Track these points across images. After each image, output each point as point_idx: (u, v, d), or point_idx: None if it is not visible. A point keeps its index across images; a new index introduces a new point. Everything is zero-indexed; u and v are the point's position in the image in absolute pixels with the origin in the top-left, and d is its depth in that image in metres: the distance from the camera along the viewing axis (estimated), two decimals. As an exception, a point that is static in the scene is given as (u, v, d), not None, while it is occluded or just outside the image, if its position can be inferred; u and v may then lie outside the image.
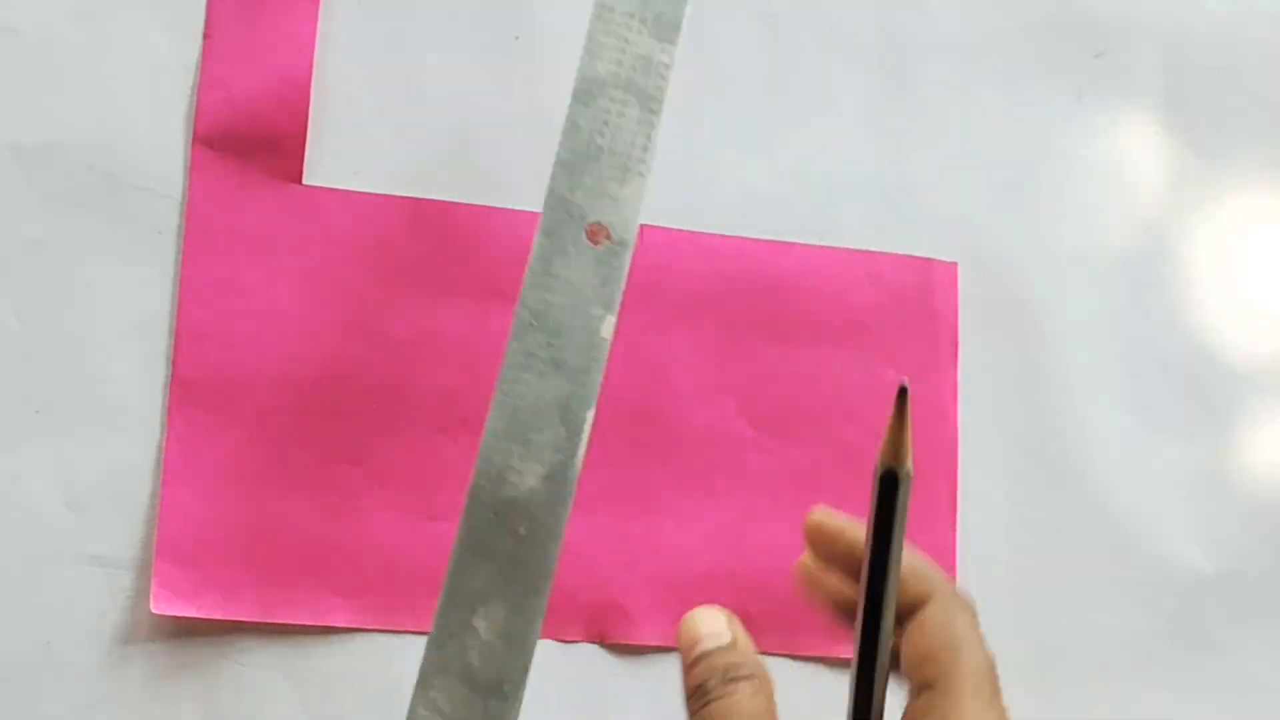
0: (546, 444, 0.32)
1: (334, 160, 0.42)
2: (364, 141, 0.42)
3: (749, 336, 0.44)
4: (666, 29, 0.35)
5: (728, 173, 0.45)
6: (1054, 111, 0.47)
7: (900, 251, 0.45)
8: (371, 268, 0.40)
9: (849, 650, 0.43)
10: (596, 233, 0.34)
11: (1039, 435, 0.45)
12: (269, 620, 0.40)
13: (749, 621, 0.42)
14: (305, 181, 0.42)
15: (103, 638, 0.39)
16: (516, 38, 0.44)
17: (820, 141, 0.46)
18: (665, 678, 0.42)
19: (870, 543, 0.31)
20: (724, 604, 0.42)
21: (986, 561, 0.44)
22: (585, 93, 0.34)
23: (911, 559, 0.32)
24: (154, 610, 0.39)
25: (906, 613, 0.32)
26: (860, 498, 0.43)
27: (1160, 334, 0.47)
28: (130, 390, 0.40)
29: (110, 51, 0.41)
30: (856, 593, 0.31)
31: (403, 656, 0.40)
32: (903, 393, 0.30)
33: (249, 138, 0.41)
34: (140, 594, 0.39)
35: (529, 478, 0.32)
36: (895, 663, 0.31)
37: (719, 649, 0.33)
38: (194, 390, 0.40)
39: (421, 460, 0.41)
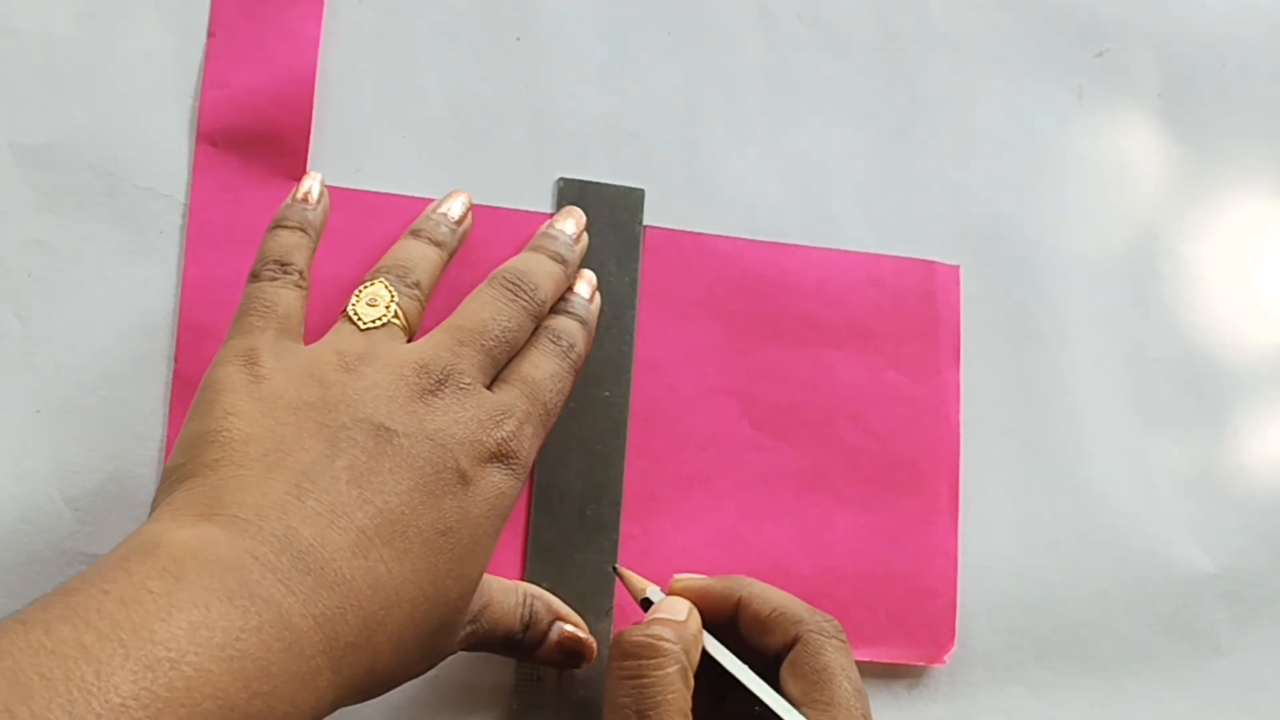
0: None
1: (337, 159, 0.42)
2: (366, 141, 0.42)
3: (751, 337, 0.44)
4: None
5: (729, 174, 0.45)
6: (1054, 111, 0.47)
7: (900, 251, 0.45)
8: (373, 266, 0.39)
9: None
10: None
11: (1039, 435, 0.45)
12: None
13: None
14: (307, 181, 0.42)
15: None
16: (517, 38, 0.44)
17: (821, 142, 0.46)
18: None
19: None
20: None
21: (986, 561, 0.44)
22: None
23: (779, 601, 0.38)
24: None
25: (784, 650, 0.37)
26: (860, 498, 0.43)
27: (1160, 334, 0.47)
28: (131, 390, 0.39)
29: (110, 51, 0.41)
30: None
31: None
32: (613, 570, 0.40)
33: (252, 136, 0.41)
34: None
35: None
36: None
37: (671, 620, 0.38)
38: (196, 388, 0.40)
39: None
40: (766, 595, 0.38)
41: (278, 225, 0.37)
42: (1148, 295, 0.47)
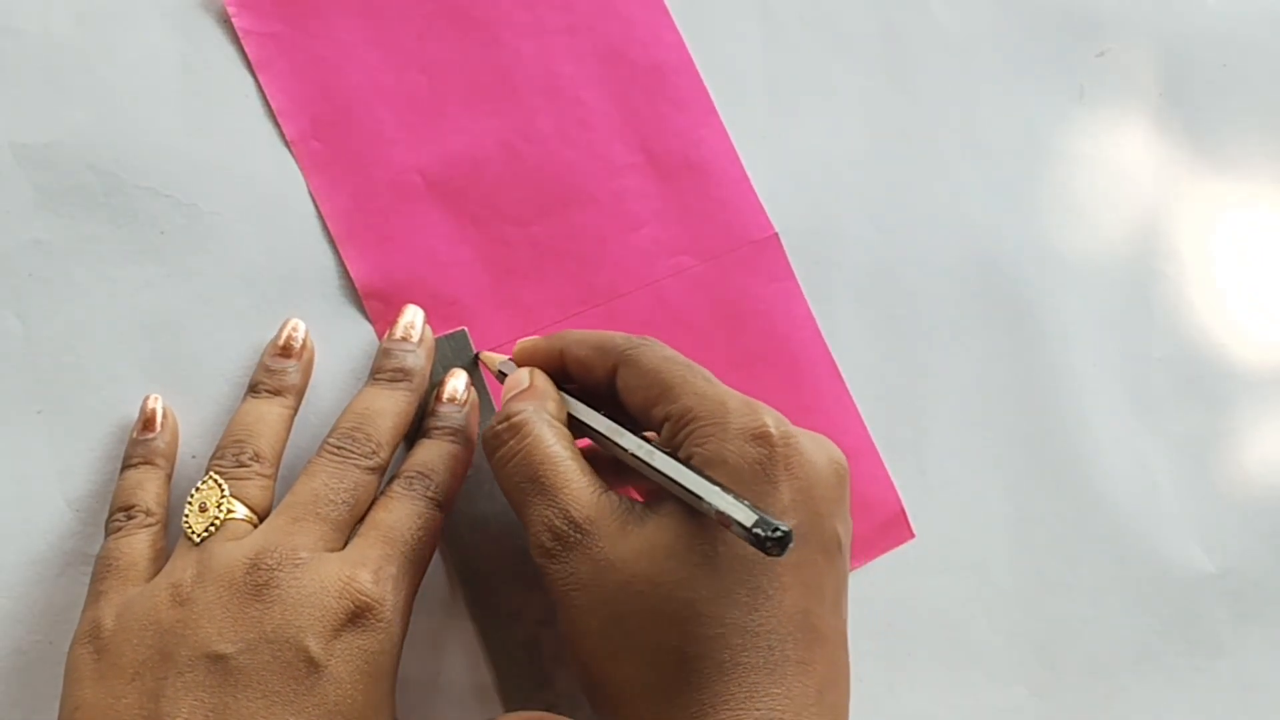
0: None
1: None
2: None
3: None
4: None
5: (729, 173, 0.45)
6: (1054, 111, 0.47)
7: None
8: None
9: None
10: None
11: (1039, 435, 0.45)
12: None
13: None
14: None
15: (103, 638, 0.39)
16: (517, 38, 0.44)
17: (821, 142, 0.46)
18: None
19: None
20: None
21: (987, 561, 0.44)
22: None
23: (597, 338, 0.37)
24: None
25: (610, 379, 0.36)
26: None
27: (1161, 334, 0.47)
28: (131, 390, 0.40)
29: (110, 51, 0.41)
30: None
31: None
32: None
33: None
34: (141, 594, 0.39)
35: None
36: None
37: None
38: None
39: None
40: (584, 338, 0.37)
41: (123, 465, 0.38)
42: (1148, 295, 0.47)
